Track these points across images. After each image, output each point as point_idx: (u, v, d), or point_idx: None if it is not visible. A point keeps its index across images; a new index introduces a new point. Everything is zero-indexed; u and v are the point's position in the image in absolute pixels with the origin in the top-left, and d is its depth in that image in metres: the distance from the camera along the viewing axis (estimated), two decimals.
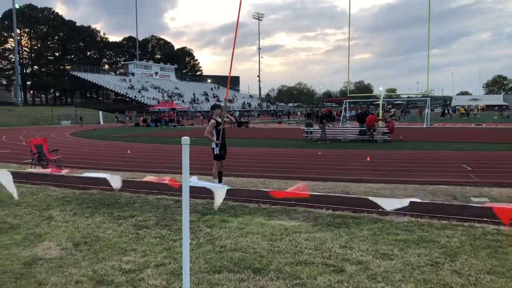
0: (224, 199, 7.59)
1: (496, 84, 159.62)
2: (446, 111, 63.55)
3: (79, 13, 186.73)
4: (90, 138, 27.35)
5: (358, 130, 23.11)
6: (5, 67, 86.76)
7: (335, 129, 26.16)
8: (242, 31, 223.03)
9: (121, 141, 23.92)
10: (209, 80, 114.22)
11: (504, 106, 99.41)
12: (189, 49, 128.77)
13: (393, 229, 5.74)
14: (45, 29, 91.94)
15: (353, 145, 19.37)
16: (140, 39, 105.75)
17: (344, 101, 42.22)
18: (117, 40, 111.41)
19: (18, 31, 79.05)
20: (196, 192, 7.88)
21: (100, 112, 57.92)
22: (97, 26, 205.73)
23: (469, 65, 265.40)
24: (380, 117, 29.18)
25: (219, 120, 8.81)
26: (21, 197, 8.24)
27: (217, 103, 11.22)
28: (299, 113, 73.87)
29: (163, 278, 4.19)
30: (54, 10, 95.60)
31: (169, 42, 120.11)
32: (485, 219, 6.03)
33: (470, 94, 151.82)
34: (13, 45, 75.36)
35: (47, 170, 6.79)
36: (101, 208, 7.26)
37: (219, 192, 3.31)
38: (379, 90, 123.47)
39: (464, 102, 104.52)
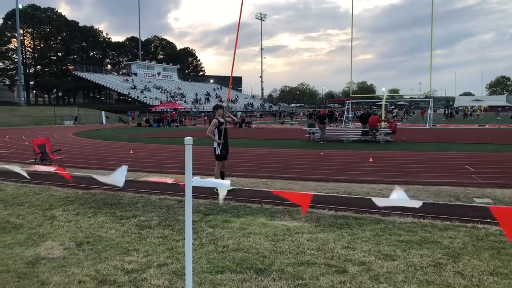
0: (227, 199, 7.63)
1: (499, 85, 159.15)
2: (447, 112, 63.29)
3: (83, 14, 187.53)
4: (93, 138, 27.40)
5: (360, 131, 23.08)
6: (8, 67, 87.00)
7: (337, 129, 26.15)
8: (245, 31, 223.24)
9: (123, 141, 23.96)
10: (211, 81, 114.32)
11: (507, 107, 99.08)
12: (192, 49, 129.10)
13: (396, 229, 5.73)
14: (48, 29, 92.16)
15: (355, 146, 19.35)
16: (143, 40, 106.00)
17: (347, 101, 42.18)
18: (120, 40, 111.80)
19: (21, 31, 79.21)
20: (198, 192, 7.89)
21: (103, 112, 58.00)
22: (100, 26, 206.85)
23: (472, 66, 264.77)
24: (383, 118, 29.17)
25: (221, 120, 8.82)
26: (24, 197, 8.27)
27: (219, 103, 11.25)
28: (301, 113, 73.86)
29: (166, 278, 4.19)
30: (57, 10, 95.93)
31: (172, 43, 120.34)
32: (488, 220, 6.01)
33: (473, 95, 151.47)
34: (16, 45, 75.61)
35: (51, 169, 6.81)
36: (104, 208, 7.27)
37: (224, 185, 3.31)
38: (382, 90, 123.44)
39: (467, 103, 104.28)
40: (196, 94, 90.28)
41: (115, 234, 5.71)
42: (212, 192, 8.14)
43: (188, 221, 2.99)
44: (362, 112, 26.42)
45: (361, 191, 8.61)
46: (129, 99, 79.31)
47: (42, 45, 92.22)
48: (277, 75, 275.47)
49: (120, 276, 4.26)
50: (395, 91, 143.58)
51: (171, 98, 77.14)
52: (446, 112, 63.36)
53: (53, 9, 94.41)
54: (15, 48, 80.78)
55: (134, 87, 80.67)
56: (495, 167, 12.02)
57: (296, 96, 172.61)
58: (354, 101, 46.46)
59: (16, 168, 3.39)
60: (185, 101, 79.31)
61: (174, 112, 51.06)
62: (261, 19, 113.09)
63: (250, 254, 4.85)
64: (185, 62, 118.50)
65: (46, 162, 11.93)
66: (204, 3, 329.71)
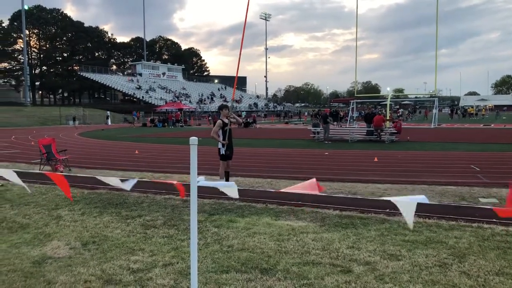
0: (231, 199, 7.63)
1: (504, 84, 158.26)
2: (452, 111, 63.00)
3: (89, 14, 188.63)
4: (98, 138, 27.51)
5: (365, 131, 23.03)
6: (14, 68, 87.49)
7: (342, 129, 26.10)
8: (250, 31, 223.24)
9: (128, 141, 24.03)
10: (216, 81, 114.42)
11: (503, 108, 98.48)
12: (196, 49, 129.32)
13: (401, 229, 5.72)
14: (53, 30, 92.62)
15: (360, 146, 19.31)
16: (148, 40, 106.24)
17: (351, 101, 42.08)
18: (125, 41, 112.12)
19: (27, 32, 79.59)
20: (203, 192, 7.91)
21: (108, 112, 58.20)
22: (106, 27, 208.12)
23: (477, 65, 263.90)
24: (388, 118, 29.08)
25: (226, 121, 8.81)
26: (30, 197, 8.31)
27: (225, 103, 11.22)
28: (306, 113, 73.78)
29: (171, 278, 4.21)
30: (63, 11, 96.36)
31: (176, 43, 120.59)
32: (494, 220, 5.99)
33: (478, 94, 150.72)
34: (22, 46, 76.00)
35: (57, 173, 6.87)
36: (109, 208, 7.30)
37: (230, 189, 3.31)
38: (387, 90, 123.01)
39: (472, 103, 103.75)
40: (201, 94, 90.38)
41: (121, 234, 5.73)
42: (217, 192, 8.14)
43: (193, 221, 3.00)
44: (366, 111, 26.38)
45: (366, 191, 8.59)
46: (134, 100, 79.56)
47: (47, 46, 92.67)
48: (282, 75, 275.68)
49: (126, 276, 4.28)
50: (400, 90, 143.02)
51: (176, 98, 77.28)
52: (458, 111, 63.03)
53: (59, 10, 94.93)
54: (21, 49, 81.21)
55: (139, 87, 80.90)
56: (501, 166, 11.95)
57: (301, 96, 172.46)
58: (358, 100, 46.36)
59: (13, 177, 3.37)
60: (189, 101, 79.46)
61: (178, 112, 51.15)
62: (265, 19, 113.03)
63: (255, 254, 4.86)
64: (189, 62, 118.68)
65: (51, 162, 11.98)
66: (209, 4, 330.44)
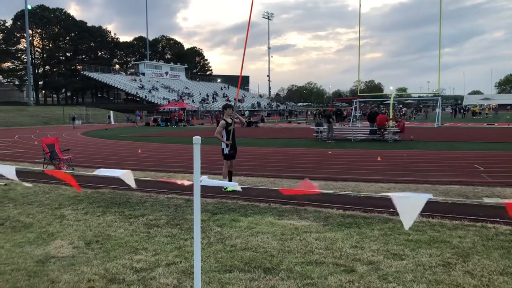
0: (235, 198, 7.63)
1: (508, 83, 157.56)
2: (453, 111, 62.83)
3: (93, 14, 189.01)
4: (101, 137, 27.56)
5: (368, 130, 22.99)
6: (17, 68, 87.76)
7: (345, 128, 26.06)
8: (253, 30, 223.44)
9: (132, 141, 24.07)
10: (219, 80, 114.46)
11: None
12: (199, 48, 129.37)
13: (404, 229, 5.69)
14: (56, 30, 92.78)
15: (363, 145, 19.28)
16: (151, 39, 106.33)
17: (354, 100, 42.02)
18: (128, 40, 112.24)
19: (30, 31, 79.84)
20: (206, 191, 7.91)
21: (111, 111, 58.32)
22: (110, 26, 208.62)
23: (481, 64, 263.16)
24: (391, 117, 29.03)
25: (229, 120, 8.80)
26: (34, 196, 8.34)
27: (229, 103, 11.24)
28: (309, 112, 73.72)
29: (174, 277, 4.21)
30: (66, 11, 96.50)
31: (179, 42, 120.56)
32: (498, 219, 5.97)
33: (482, 93, 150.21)
34: (25, 46, 76.21)
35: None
36: (113, 207, 7.31)
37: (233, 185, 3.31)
38: (390, 89, 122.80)
39: (475, 102, 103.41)
40: (204, 93, 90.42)
41: (124, 233, 5.74)
42: (220, 192, 8.15)
43: (196, 220, 3.00)
44: (368, 111, 26.33)
45: (369, 190, 8.58)
46: (137, 99, 79.67)
47: (50, 45, 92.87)
48: (285, 74, 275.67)
49: (129, 275, 4.28)
50: (403, 89, 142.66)
51: (179, 98, 77.36)
52: (461, 111, 62.89)
53: (62, 9, 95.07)
54: (24, 48, 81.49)
55: (142, 87, 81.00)
56: (504, 166, 11.91)
57: (304, 95, 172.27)
58: (361, 100, 46.28)
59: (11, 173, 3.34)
60: (192, 101, 79.50)
61: (181, 112, 51.18)
62: (268, 18, 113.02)
63: (258, 253, 4.86)
64: (192, 62, 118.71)
65: (55, 161, 12.01)
66: (213, 3, 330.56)
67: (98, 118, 57.11)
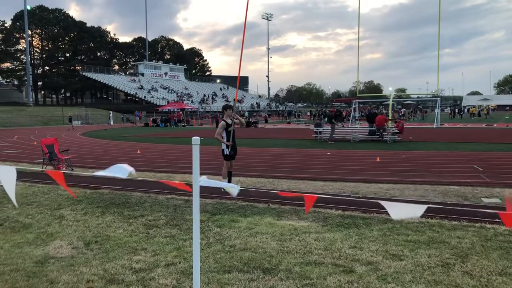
0: (234, 199, 7.63)
1: (507, 84, 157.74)
2: (452, 112, 62.94)
3: (93, 15, 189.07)
4: (101, 138, 27.55)
5: (367, 130, 23.00)
6: (16, 68, 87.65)
7: (344, 129, 26.05)
8: (253, 31, 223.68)
9: (131, 141, 24.06)
10: (218, 80, 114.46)
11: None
12: (198, 49, 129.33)
13: (403, 229, 5.71)
14: (56, 30, 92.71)
15: (362, 146, 19.29)
16: (150, 40, 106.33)
17: (354, 101, 42.03)
18: (127, 41, 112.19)
19: (29, 32, 79.72)
20: (205, 192, 7.92)
21: (110, 112, 58.31)
22: (110, 27, 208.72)
23: (481, 65, 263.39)
24: (390, 117, 29.04)
25: (229, 121, 8.79)
26: (33, 197, 8.34)
27: (229, 103, 11.26)
28: (308, 113, 73.75)
29: (173, 278, 4.21)
30: (65, 11, 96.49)
31: (178, 43, 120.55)
32: (497, 220, 5.97)
33: (481, 94, 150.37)
34: (25, 46, 76.13)
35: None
36: (112, 208, 7.31)
37: (233, 188, 3.31)
38: (389, 90, 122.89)
39: (474, 102, 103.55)
40: (203, 94, 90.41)
41: (123, 234, 5.74)
42: (219, 192, 8.15)
43: (195, 221, 3.00)
44: (367, 112, 26.33)
45: (369, 191, 8.58)
46: (136, 99, 79.64)
47: (50, 46, 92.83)
48: (284, 75, 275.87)
49: (128, 275, 4.28)
50: (402, 90, 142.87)
51: (178, 98, 77.34)
52: (459, 112, 63.04)
53: (61, 10, 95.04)
54: (23, 49, 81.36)
55: (141, 87, 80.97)
56: (503, 166, 11.92)
57: (303, 96, 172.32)
58: (361, 100, 46.30)
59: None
60: (192, 101, 79.47)
61: (180, 112, 51.17)
62: (267, 19, 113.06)
63: (257, 254, 4.86)
64: (192, 62, 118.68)
65: (54, 162, 12.01)
66: (213, 4, 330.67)
67: (97, 119, 57.08)
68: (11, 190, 2.97)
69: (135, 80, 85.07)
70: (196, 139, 2.92)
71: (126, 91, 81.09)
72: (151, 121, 49.01)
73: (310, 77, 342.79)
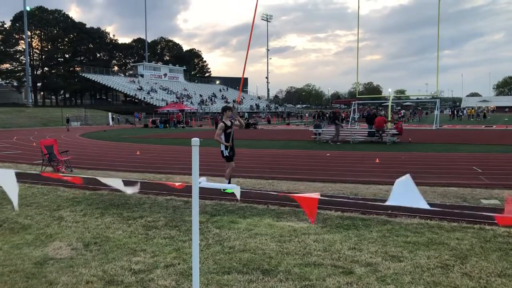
0: (233, 200, 7.63)
1: (506, 85, 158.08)
2: (452, 113, 63.00)
3: (94, 16, 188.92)
4: (100, 139, 27.53)
5: (367, 132, 23.01)
6: (16, 69, 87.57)
7: (343, 130, 26.06)
8: (253, 32, 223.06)
9: (130, 142, 24.06)
10: (217, 82, 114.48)
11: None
12: (198, 50, 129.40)
13: (403, 231, 5.71)
14: (55, 31, 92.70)
15: (362, 147, 19.30)
16: (150, 41, 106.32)
17: (353, 102, 42.09)
18: (127, 42, 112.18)
19: (29, 33, 79.71)
20: (205, 193, 7.92)
21: (110, 113, 58.31)
22: (110, 28, 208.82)
23: (480, 67, 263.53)
24: (389, 119, 29.05)
25: (228, 123, 8.80)
26: (32, 198, 8.33)
27: (228, 105, 11.25)
28: (307, 114, 73.75)
29: (173, 279, 4.21)
30: (64, 12, 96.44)
31: (178, 44, 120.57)
32: (496, 221, 5.97)
33: (480, 96, 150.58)
34: (24, 47, 76.12)
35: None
36: (111, 209, 7.31)
37: (236, 189, 3.31)
38: (388, 91, 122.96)
39: (474, 104, 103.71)
40: (202, 95, 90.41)
41: (122, 235, 5.74)
42: (218, 193, 8.15)
43: (195, 222, 3.00)
44: (366, 113, 26.31)
45: (368, 192, 8.59)
46: (136, 100, 79.62)
47: (49, 47, 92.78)
48: (284, 76, 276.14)
49: (127, 277, 4.28)
50: (402, 91, 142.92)
51: (178, 99, 77.33)
52: (457, 113, 63.12)
53: (60, 11, 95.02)
54: (22, 50, 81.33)
55: (141, 88, 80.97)
56: (503, 167, 11.94)
57: (302, 97, 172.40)
58: (360, 102, 46.35)
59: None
60: (191, 102, 79.47)
61: (180, 113, 51.16)
62: (267, 20, 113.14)
63: (257, 255, 4.86)
64: (191, 63, 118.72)
65: (53, 163, 12.00)
66: (213, 5, 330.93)
67: (97, 120, 57.07)
68: (13, 193, 2.97)
69: (134, 81, 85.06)
70: (195, 140, 2.92)
71: (125, 92, 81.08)
72: (150, 122, 49.01)
73: (310, 78, 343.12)
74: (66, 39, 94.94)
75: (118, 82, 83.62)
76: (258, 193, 8.44)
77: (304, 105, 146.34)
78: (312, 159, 14.91)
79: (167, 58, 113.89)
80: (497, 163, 13.05)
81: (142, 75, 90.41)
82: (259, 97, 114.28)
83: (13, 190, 3.00)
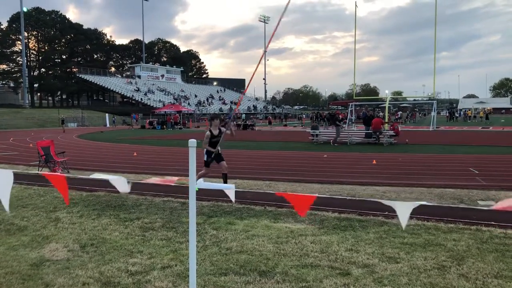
0: (230, 202, 7.61)
1: (503, 87, 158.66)
2: (449, 115, 63.17)
3: (91, 17, 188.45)
4: (97, 140, 27.48)
5: (364, 133, 23.03)
6: (12, 70, 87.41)
7: (342, 131, 26.08)
8: (250, 34, 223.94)
9: (127, 143, 24.01)
10: (215, 83, 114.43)
11: (511, 109, 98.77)
12: (195, 51, 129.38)
13: (400, 232, 5.72)
14: (52, 32, 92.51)
15: (359, 148, 19.32)
16: (147, 42, 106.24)
17: (350, 104, 42.15)
18: (124, 43, 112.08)
19: (25, 34, 79.60)
20: (202, 194, 7.90)
21: (107, 114, 58.21)
22: (108, 29, 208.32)
23: (477, 68, 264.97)
24: (386, 120, 29.10)
25: (216, 132, 8.79)
26: (29, 199, 8.30)
27: (216, 113, 11.33)
28: (304, 115, 73.80)
29: (169, 280, 4.20)
30: (62, 13, 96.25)
31: (175, 45, 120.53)
32: (492, 222, 5.99)
33: (477, 97, 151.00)
34: (21, 48, 75.96)
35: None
36: (108, 210, 7.29)
37: (229, 191, 3.32)
38: (385, 93, 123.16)
39: (470, 105, 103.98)
40: (200, 96, 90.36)
41: (119, 236, 5.72)
42: (216, 194, 8.14)
43: (192, 223, 3.00)
44: (362, 115, 26.33)
45: (365, 193, 8.59)
46: (133, 102, 79.49)
47: (46, 48, 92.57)
48: (282, 78, 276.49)
49: (124, 278, 4.27)
50: (399, 93, 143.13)
51: (175, 101, 77.25)
52: (454, 114, 63.35)
53: (57, 11, 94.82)
54: (19, 50, 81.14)
55: (138, 90, 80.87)
56: (499, 169, 11.97)
57: (300, 99, 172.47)
58: (357, 103, 46.42)
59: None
60: (188, 104, 79.41)
61: (177, 115, 51.09)
62: (264, 22, 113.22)
63: (254, 256, 4.85)
64: (188, 65, 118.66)
65: (50, 164, 11.96)
66: (211, 6, 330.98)
67: (94, 121, 56.95)
68: (4, 194, 2.94)
69: (131, 83, 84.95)
70: (192, 142, 2.92)
71: (122, 93, 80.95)
72: (147, 123, 48.94)
73: (307, 79, 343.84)
74: (63, 40, 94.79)
75: (115, 83, 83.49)
76: (255, 194, 8.44)
77: (301, 107, 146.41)
78: (310, 160, 14.91)
79: (165, 59, 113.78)
80: (494, 164, 13.08)
81: (139, 76, 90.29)
82: (256, 99, 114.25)
83: (4, 191, 2.97)
